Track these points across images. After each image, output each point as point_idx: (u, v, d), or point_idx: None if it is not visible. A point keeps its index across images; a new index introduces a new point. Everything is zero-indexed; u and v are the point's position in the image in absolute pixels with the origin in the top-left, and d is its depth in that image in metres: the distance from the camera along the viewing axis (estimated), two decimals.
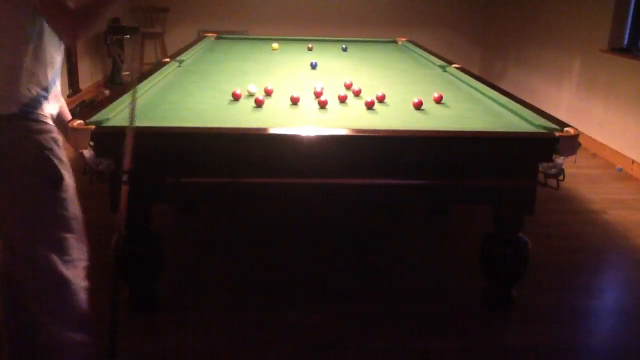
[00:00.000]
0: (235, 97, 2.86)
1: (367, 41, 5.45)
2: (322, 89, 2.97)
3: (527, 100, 2.88)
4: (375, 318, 2.63)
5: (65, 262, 1.79)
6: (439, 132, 2.40)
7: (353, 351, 2.40)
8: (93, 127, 2.25)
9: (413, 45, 5.07)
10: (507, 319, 2.66)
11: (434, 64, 4.18)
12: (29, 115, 1.70)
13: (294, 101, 2.81)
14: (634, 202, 4.15)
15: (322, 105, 2.78)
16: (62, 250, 1.78)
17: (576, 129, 2.39)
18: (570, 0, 5.84)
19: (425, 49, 4.76)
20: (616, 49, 5.11)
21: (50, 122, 1.78)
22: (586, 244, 3.46)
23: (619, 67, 5.00)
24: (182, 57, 3.95)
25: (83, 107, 5.88)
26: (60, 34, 1.70)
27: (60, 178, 1.76)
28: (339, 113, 2.72)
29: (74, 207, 1.83)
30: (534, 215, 2.47)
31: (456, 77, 3.65)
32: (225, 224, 3.63)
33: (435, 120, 2.65)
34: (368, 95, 2.93)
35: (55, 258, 1.76)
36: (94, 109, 2.50)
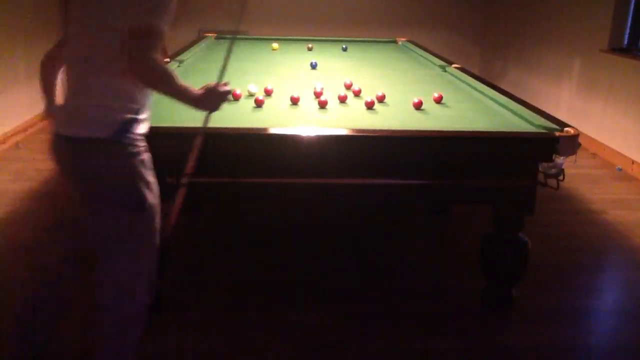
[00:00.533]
0: (235, 97, 2.86)
1: (367, 41, 5.45)
2: (322, 89, 2.98)
3: (527, 100, 2.88)
4: (375, 318, 2.63)
5: (139, 277, 1.89)
6: (439, 132, 2.40)
7: (353, 351, 2.40)
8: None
9: (413, 45, 5.08)
10: (507, 319, 2.66)
11: (434, 64, 4.18)
12: (120, 139, 1.74)
13: (294, 101, 2.81)
14: (634, 202, 4.15)
15: (322, 105, 2.78)
16: (139, 267, 1.88)
17: (576, 129, 2.39)
18: (570, 0, 5.84)
19: (425, 49, 4.76)
20: (616, 49, 5.11)
21: (142, 143, 1.82)
22: (586, 244, 3.46)
23: (619, 67, 5.00)
24: (182, 56, 3.95)
25: None
26: (131, 66, 1.69)
27: (143, 201, 1.82)
28: (339, 113, 2.72)
29: (154, 226, 1.89)
30: (534, 215, 2.47)
31: (456, 77, 3.65)
32: (226, 224, 3.63)
33: (435, 120, 2.65)
34: (368, 95, 2.93)
35: (132, 274, 1.87)
36: None
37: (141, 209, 1.82)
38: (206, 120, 1.99)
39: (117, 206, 1.80)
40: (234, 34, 2.26)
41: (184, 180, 1.96)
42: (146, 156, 1.83)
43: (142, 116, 1.82)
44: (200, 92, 1.89)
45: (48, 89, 2.00)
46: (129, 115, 1.76)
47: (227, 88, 1.98)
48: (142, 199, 1.81)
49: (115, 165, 1.75)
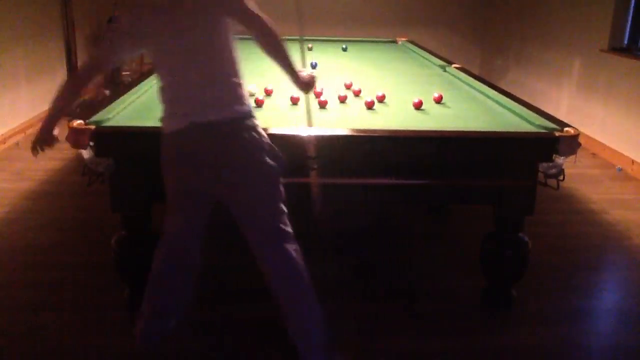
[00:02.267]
0: None
1: (367, 41, 5.45)
2: (322, 89, 2.97)
3: (527, 100, 2.88)
4: (375, 318, 2.63)
5: (287, 225, 2.12)
6: (439, 132, 2.40)
7: (352, 351, 2.40)
8: (93, 127, 2.25)
9: (413, 45, 5.08)
10: (507, 319, 2.66)
11: (434, 64, 4.18)
12: (252, 113, 2.04)
13: (294, 101, 2.81)
14: (634, 202, 4.15)
15: (322, 105, 2.78)
16: (286, 219, 2.11)
17: (576, 129, 2.39)
18: (570, 0, 5.84)
19: (425, 49, 4.76)
20: (616, 49, 5.10)
21: None
22: (586, 244, 3.45)
23: (619, 67, 5.00)
24: None
25: (83, 107, 5.88)
26: (265, 31, 2.10)
27: (280, 157, 2.05)
28: (339, 113, 2.72)
29: None
30: (534, 215, 2.47)
31: (456, 77, 3.65)
32: (225, 224, 3.62)
33: (435, 120, 2.65)
34: (368, 95, 2.93)
35: (285, 222, 2.11)
36: (94, 109, 2.50)
37: (282, 166, 2.05)
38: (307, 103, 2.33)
39: (273, 167, 2.02)
40: (300, 35, 2.41)
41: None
42: None
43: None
44: (303, 74, 2.22)
45: (71, 103, 2.18)
46: (248, 93, 2.08)
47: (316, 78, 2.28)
48: (281, 156, 2.05)
49: (259, 131, 2.02)
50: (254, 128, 2.00)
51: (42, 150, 2.12)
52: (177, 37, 1.96)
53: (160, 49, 2.02)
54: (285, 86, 3.16)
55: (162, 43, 2.00)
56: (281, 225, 2.07)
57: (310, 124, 2.31)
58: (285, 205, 2.08)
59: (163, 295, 2.17)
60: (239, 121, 1.98)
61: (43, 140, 2.12)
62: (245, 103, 2.02)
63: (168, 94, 2.03)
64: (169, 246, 2.15)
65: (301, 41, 2.39)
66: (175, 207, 2.10)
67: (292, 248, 2.11)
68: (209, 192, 2.07)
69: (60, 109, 2.13)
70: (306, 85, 2.24)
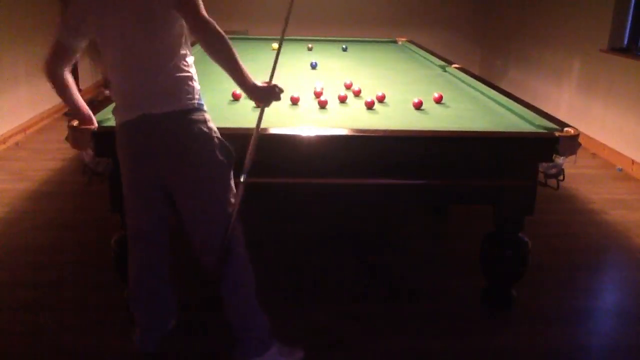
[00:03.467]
0: (235, 97, 2.86)
1: (367, 41, 5.45)
2: (322, 89, 2.97)
3: (527, 100, 2.88)
4: (375, 318, 2.63)
5: (230, 214, 2.08)
6: (439, 132, 2.40)
7: (353, 351, 2.40)
8: (93, 127, 2.25)
9: (413, 45, 5.08)
10: (507, 319, 2.66)
11: (434, 64, 4.18)
12: (201, 106, 2.02)
13: (294, 101, 2.81)
14: (634, 202, 4.15)
15: (322, 105, 2.78)
16: (230, 205, 2.08)
17: (576, 129, 2.39)
18: (570, 0, 5.84)
19: (425, 49, 4.76)
20: (616, 49, 5.10)
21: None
22: (586, 244, 3.45)
23: (619, 67, 5.00)
24: None
25: None
26: (197, 27, 1.92)
27: (231, 152, 2.05)
28: (339, 113, 2.72)
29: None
30: (533, 215, 2.47)
31: (456, 77, 3.65)
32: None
33: (435, 120, 2.65)
34: (368, 95, 2.93)
35: (229, 213, 2.08)
36: (94, 109, 2.49)
37: (230, 159, 2.05)
38: (260, 117, 2.12)
39: (221, 161, 2.02)
40: (282, 34, 2.27)
41: (243, 179, 2.07)
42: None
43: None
44: (259, 82, 2.06)
45: (70, 93, 2.13)
46: (198, 86, 2.03)
47: (282, 89, 2.13)
48: (231, 150, 2.04)
49: (208, 125, 2.00)
50: (203, 122, 2.00)
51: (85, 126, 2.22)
52: (120, 26, 1.94)
53: (104, 36, 1.98)
54: (285, 86, 3.16)
55: (104, 29, 1.97)
56: (224, 227, 2.06)
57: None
58: (232, 202, 2.07)
59: (149, 302, 2.19)
60: (187, 114, 1.97)
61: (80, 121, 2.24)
62: (194, 97, 1.99)
63: (117, 85, 2.03)
64: (137, 246, 2.15)
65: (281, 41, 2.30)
66: (131, 199, 2.10)
67: (236, 253, 2.11)
68: (159, 183, 2.05)
69: (70, 103, 2.18)
70: (258, 96, 2.08)
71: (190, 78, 2.01)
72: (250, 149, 2.07)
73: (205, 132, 1.99)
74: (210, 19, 1.91)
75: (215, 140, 2.02)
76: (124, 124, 2.01)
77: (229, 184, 2.08)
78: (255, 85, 2.03)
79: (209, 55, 1.94)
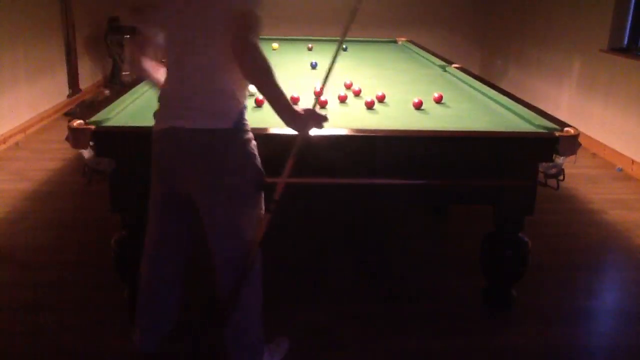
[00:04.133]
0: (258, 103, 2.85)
1: (367, 41, 5.45)
2: (322, 88, 2.97)
3: (527, 100, 2.88)
4: (375, 318, 2.63)
5: (251, 244, 2.03)
6: (439, 132, 2.40)
7: (353, 351, 2.40)
8: (93, 127, 2.25)
9: (413, 45, 5.08)
10: (507, 319, 2.66)
11: (434, 64, 4.18)
12: (239, 127, 1.92)
13: (294, 101, 2.81)
14: (634, 202, 4.15)
15: (322, 105, 2.78)
16: (251, 237, 2.03)
17: (576, 129, 2.39)
18: (570, 0, 5.84)
19: (425, 49, 4.76)
20: (616, 49, 5.11)
21: (249, 128, 1.98)
22: (586, 244, 3.45)
23: (619, 67, 5.00)
24: None
25: (83, 107, 5.88)
26: (235, 44, 1.78)
27: (262, 181, 1.98)
28: (339, 113, 2.72)
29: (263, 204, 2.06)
30: (533, 215, 2.47)
31: (456, 77, 3.65)
32: None
33: (435, 120, 2.65)
34: (368, 95, 2.93)
35: (248, 244, 2.03)
36: (94, 109, 2.50)
37: (260, 188, 1.99)
38: (297, 147, 1.94)
39: (240, 185, 1.94)
40: (342, 37, 2.12)
41: (272, 206, 2.02)
42: (254, 141, 1.98)
43: (246, 106, 1.99)
44: (298, 108, 1.91)
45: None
46: (241, 106, 1.94)
47: (325, 116, 1.97)
48: (262, 178, 1.97)
49: (238, 147, 1.91)
50: (237, 144, 1.91)
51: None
52: (183, 28, 1.89)
53: (168, 37, 1.96)
54: (285, 86, 3.16)
55: (170, 28, 1.94)
56: (239, 255, 2.01)
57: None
58: (252, 232, 2.01)
59: (155, 306, 2.18)
60: (219, 133, 1.88)
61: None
62: (231, 117, 1.89)
63: (164, 90, 2.00)
64: (154, 253, 2.13)
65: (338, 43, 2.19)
66: (155, 208, 2.08)
67: (248, 284, 2.05)
68: (183, 195, 2.00)
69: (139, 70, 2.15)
70: (296, 127, 1.92)
71: (235, 96, 1.91)
72: (284, 176, 1.98)
73: (235, 154, 1.91)
74: (258, 44, 1.76)
75: (249, 165, 1.94)
76: (157, 132, 1.97)
77: (248, 211, 2.00)
78: (295, 111, 1.88)
79: (246, 79, 1.86)
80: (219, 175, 1.92)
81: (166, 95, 1.98)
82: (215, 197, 1.95)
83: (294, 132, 1.94)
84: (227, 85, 1.90)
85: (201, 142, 1.88)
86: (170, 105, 1.95)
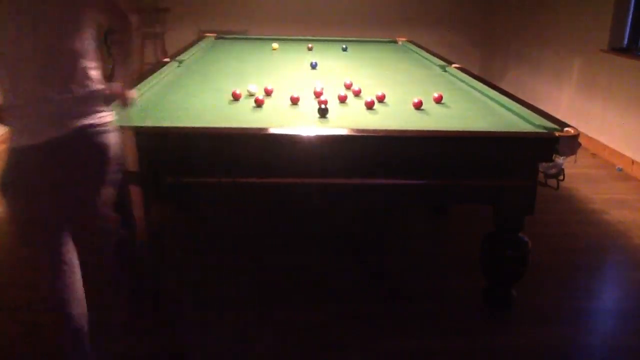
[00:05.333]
0: (235, 97, 2.86)
1: (367, 41, 5.45)
2: (322, 88, 2.98)
3: (527, 100, 2.88)
4: (375, 318, 2.63)
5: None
6: (439, 132, 2.40)
7: (353, 351, 2.40)
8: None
9: (413, 45, 5.08)
10: (507, 319, 2.66)
11: (434, 64, 4.18)
12: (110, 119, 1.98)
13: (294, 101, 2.81)
14: (634, 202, 4.15)
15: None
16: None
17: (576, 129, 2.39)
18: (570, 0, 5.84)
19: (425, 49, 4.76)
20: (616, 49, 5.10)
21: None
22: (586, 244, 3.45)
23: (619, 67, 5.00)
24: (182, 57, 3.95)
25: None
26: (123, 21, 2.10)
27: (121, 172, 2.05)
28: (339, 113, 2.72)
29: None
30: (534, 215, 2.47)
31: (456, 77, 3.65)
32: (226, 224, 3.63)
33: (435, 120, 2.65)
34: (368, 95, 2.93)
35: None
36: None
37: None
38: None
39: (117, 177, 2.02)
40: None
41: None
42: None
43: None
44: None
45: None
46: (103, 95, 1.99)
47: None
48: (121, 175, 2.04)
49: (117, 140, 1.98)
50: (108, 137, 1.92)
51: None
52: (22, 27, 1.73)
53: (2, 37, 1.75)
54: (285, 86, 3.17)
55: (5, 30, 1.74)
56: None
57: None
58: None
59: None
60: (90, 131, 1.85)
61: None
62: (102, 110, 1.92)
63: (11, 100, 1.78)
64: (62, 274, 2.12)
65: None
66: (52, 228, 1.98)
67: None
68: (65, 215, 1.95)
69: None
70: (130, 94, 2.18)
71: (97, 87, 1.97)
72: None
73: (107, 145, 1.94)
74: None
75: (115, 156, 1.98)
76: (25, 149, 1.80)
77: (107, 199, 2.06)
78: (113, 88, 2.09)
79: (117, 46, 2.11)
80: (101, 171, 2.00)
81: (20, 105, 1.82)
82: (97, 192, 2.03)
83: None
84: (93, 81, 1.99)
85: (83, 142, 1.91)
86: (36, 116, 1.84)
